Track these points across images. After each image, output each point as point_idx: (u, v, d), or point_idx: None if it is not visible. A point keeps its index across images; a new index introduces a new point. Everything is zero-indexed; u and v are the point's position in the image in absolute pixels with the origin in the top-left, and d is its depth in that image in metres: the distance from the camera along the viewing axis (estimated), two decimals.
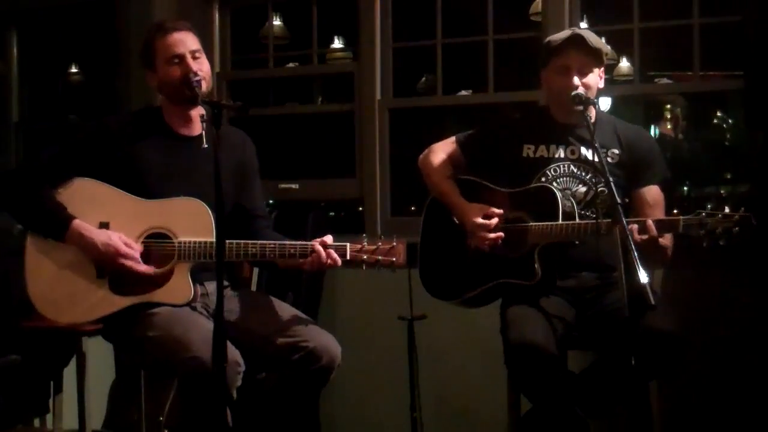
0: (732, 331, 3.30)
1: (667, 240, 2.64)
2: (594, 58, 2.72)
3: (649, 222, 2.49)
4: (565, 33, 2.76)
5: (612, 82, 4.45)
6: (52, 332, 3.25)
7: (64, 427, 3.48)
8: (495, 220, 2.72)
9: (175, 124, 2.68)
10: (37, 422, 3.68)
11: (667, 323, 2.46)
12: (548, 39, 2.80)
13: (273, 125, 4.66)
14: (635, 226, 2.47)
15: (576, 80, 2.68)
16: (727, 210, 2.42)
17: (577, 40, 2.69)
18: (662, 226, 2.51)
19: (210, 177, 2.55)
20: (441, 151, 2.93)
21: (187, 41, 2.62)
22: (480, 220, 2.73)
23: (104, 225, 2.55)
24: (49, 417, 3.59)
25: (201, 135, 2.46)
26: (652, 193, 2.76)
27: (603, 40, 2.80)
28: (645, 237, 2.46)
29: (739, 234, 2.38)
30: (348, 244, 2.50)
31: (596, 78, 2.75)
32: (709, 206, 2.46)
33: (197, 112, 2.62)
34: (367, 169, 4.02)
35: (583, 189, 2.77)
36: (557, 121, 2.84)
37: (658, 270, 2.83)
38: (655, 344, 2.43)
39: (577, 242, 2.67)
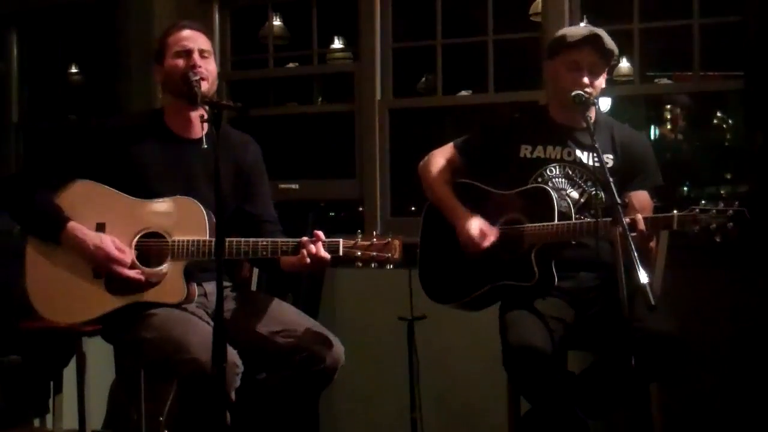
0: (732, 332, 3.30)
1: (653, 243, 2.65)
2: (606, 59, 2.72)
3: (639, 217, 2.47)
4: (582, 30, 2.74)
5: (612, 82, 4.44)
6: (51, 333, 3.25)
7: (64, 427, 3.48)
8: (487, 243, 2.70)
9: (175, 126, 2.67)
10: (37, 422, 3.68)
11: (666, 325, 2.46)
12: (563, 33, 2.77)
13: (273, 125, 4.65)
14: (625, 221, 2.47)
15: (586, 79, 2.68)
16: (721, 205, 2.40)
17: (595, 40, 2.69)
18: (657, 223, 2.50)
19: (208, 178, 2.56)
20: (440, 156, 2.93)
21: (198, 39, 2.63)
22: (475, 237, 2.70)
23: (100, 225, 2.55)
24: (49, 417, 3.59)
25: (201, 138, 2.45)
26: (640, 197, 2.75)
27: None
28: (633, 234, 2.45)
29: (734, 229, 2.36)
30: (341, 240, 2.43)
31: (602, 79, 2.75)
32: (702, 202, 2.44)
33: (197, 113, 2.61)
34: (367, 169, 4.02)
35: (576, 193, 2.76)
36: (556, 122, 2.84)
37: (658, 270, 2.83)
38: (655, 347, 2.42)
39: (573, 242, 2.67)
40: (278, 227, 2.75)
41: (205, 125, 2.35)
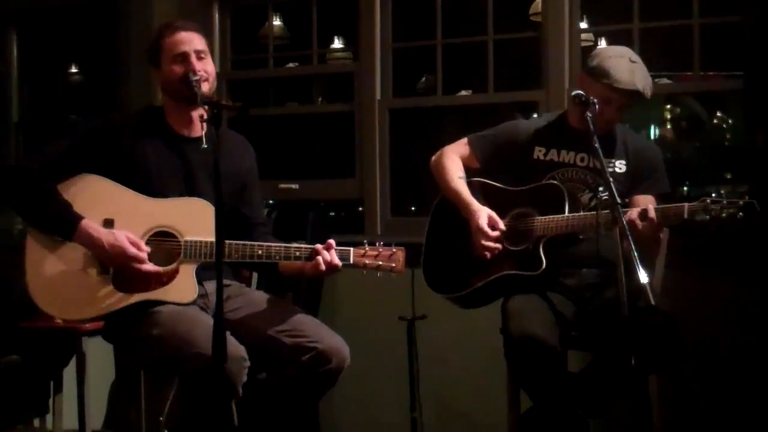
0: (732, 331, 3.30)
1: (663, 235, 2.68)
2: (636, 102, 2.75)
3: (650, 206, 2.51)
4: (629, 78, 2.66)
5: None
6: (51, 332, 3.25)
7: (64, 427, 3.48)
8: (497, 234, 2.73)
9: (175, 124, 2.67)
10: (37, 422, 3.68)
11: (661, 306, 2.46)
12: (611, 69, 2.67)
13: (273, 125, 4.66)
14: (635, 212, 2.48)
15: (613, 114, 2.72)
16: (731, 198, 2.44)
17: (637, 96, 2.70)
18: (668, 213, 2.51)
19: (207, 177, 2.56)
20: (452, 152, 2.95)
21: (193, 41, 2.61)
22: (484, 227, 2.73)
23: (109, 221, 2.52)
24: (49, 417, 3.59)
25: (201, 137, 2.46)
26: (646, 200, 2.75)
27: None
28: (645, 223, 2.47)
29: (743, 220, 2.40)
30: (352, 249, 2.53)
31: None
32: (713, 194, 2.47)
33: (198, 113, 2.61)
34: (367, 169, 4.02)
35: (587, 197, 2.78)
36: (573, 128, 2.85)
37: (658, 270, 2.83)
38: (650, 326, 2.42)
39: (581, 236, 2.68)
40: (267, 228, 2.81)
41: (205, 124, 2.35)
